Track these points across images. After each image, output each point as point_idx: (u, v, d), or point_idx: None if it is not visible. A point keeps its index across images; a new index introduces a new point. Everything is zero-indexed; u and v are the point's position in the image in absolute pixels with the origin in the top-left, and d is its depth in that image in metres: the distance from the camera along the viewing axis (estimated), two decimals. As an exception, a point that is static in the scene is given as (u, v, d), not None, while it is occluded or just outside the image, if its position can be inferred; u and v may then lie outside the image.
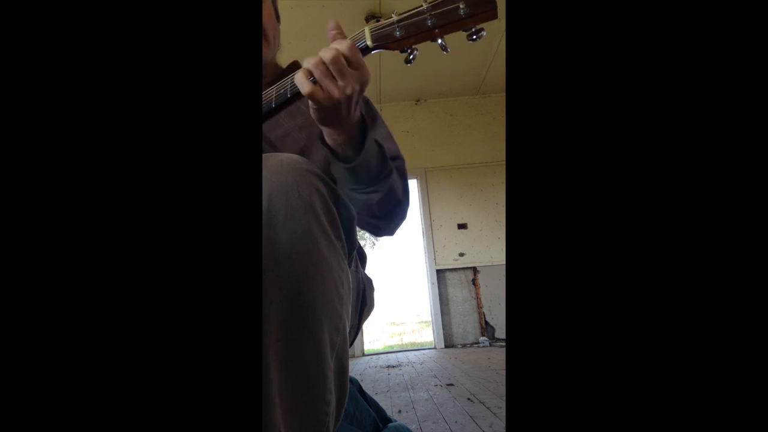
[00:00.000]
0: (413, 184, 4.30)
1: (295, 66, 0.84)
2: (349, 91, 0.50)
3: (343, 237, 0.48)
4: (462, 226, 4.19)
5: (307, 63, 0.50)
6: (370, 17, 3.03)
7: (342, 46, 0.49)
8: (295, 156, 0.46)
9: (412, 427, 1.35)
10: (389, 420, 0.82)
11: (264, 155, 0.45)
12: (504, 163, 3.98)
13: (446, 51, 0.53)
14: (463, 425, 1.32)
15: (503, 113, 4.20)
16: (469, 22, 0.50)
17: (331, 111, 0.51)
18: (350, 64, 0.49)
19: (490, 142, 4.27)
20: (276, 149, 0.70)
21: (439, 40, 0.53)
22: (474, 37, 0.51)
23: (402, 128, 4.30)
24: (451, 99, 4.39)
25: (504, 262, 3.93)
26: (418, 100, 4.41)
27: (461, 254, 4.13)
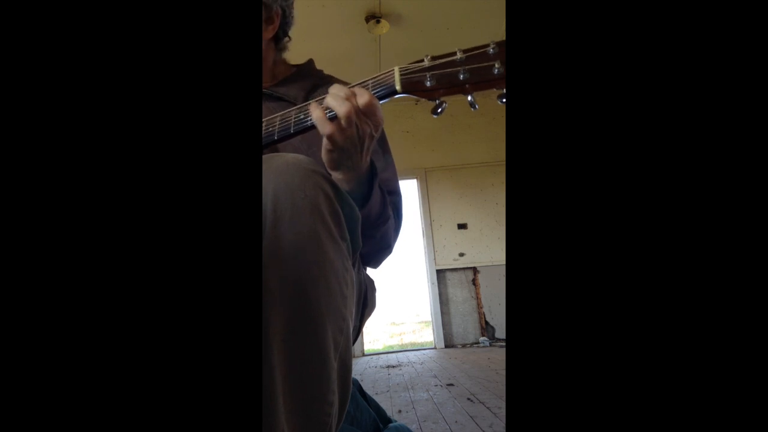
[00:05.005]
0: (413, 184, 4.30)
1: (309, 65, 0.82)
2: (367, 131, 0.52)
3: (348, 237, 0.48)
4: (462, 226, 4.18)
5: (334, 103, 0.51)
6: (370, 17, 3.03)
7: (363, 99, 0.52)
8: (300, 156, 0.46)
9: (412, 427, 1.35)
10: (389, 420, 0.82)
11: (269, 155, 0.45)
12: (504, 163, 3.97)
13: (474, 108, 0.51)
14: (463, 425, 1.32)
15: (503, 113, 4.20)
16: (503, 83, 0.47)
17: (345, 153, 0.53)
18: (366, 115, 0.52)
19: (490, 142, 4.26)
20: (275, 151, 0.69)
21: (469, 97, 0.51)
22: (504, 100, 0.47)
23: (402, 128, 4.30)
24: (451, 99, 4.38)
25: (504, 262, 3.93)
26: (418, 100, 4.41)
27: (461, 254, 4.13)
